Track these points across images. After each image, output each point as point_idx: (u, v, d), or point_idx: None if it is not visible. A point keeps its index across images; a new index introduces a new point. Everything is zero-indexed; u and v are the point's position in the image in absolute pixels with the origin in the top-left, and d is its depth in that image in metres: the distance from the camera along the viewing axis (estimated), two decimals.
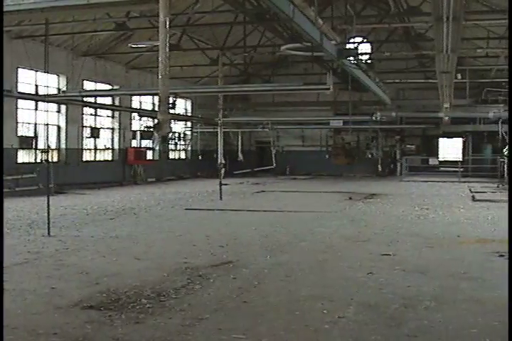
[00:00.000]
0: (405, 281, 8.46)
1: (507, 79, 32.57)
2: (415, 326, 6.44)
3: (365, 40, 33.25)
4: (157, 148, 32.05)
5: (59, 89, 26.02)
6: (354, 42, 27.39)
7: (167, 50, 8.09)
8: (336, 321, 6.59)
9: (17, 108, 24.10)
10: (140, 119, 32.67)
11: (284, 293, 7.87)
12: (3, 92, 10.39)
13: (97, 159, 30.22)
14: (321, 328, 6.37)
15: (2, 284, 5.79)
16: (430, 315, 6.85)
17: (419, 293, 7.83)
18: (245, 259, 10.11)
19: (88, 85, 28.50)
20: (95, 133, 29.44)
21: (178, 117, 34.55)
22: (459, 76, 26.78)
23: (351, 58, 18.73)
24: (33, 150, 25.08)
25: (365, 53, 29.71)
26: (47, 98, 24.38)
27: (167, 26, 8.10)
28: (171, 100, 25.90)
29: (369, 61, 26.54)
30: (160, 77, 8.06)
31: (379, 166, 39.83)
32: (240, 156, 38.09)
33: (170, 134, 35.25)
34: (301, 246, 11.65)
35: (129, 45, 24.32)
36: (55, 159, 26.06)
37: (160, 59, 8.06)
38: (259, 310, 7.04)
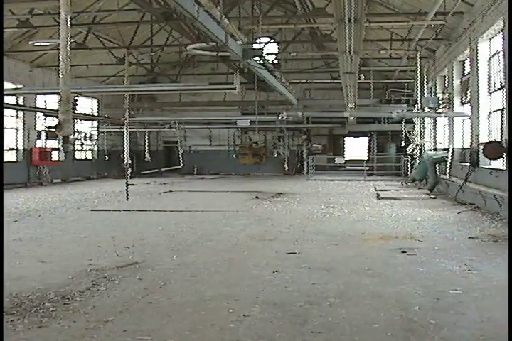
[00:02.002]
0: (310, 279, 8.55)
1: (410, 80, 33.53)
2: (320, 323, 6.51)
3: (271, 41, 33.51)
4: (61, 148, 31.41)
5: None
6: (261, 43, 27.54)
7: (68, 48, 7.91)
8: (242, 320, 6.61)
9: None
10: (45, 119, 31.98)
11: (190, 293, 7.84)
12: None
13: None
14: (226, 327, 6.36)
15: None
16: (334, 311, 6.94)
17: (323, 290, 7.92)
18: (151, 260, 10.03)
19: None
20: None
21: (84, 117, 33.96)
22: (362, 76, 27.25)
23: (257, 58, 18.78)
24: None
25: (272, 53, 29.91)
26: None
27: (68, 24, 7.93)
28: (75, 99, 25.58)
29: (275, 61, 26.69)
30: (61, 75, 7.88)
31: (285, 165, 40.21)
32: (147, 156, 37.80)
33: (75, 134, 34.71)
34: (208, 245, 11.63)
35: (31, 42, 23.74)
36: None
37: (61, 57, 7.87)
38: (164, 311, 6.99)
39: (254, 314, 6.83)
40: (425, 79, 28.70)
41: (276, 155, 42.33)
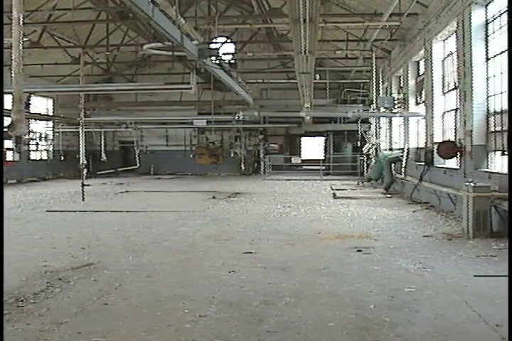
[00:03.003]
0: (266, 278, 8.57)
1: (366, 80, 33.77)
2: (275, 322, 6.54)
3: (228, 41, 33.49)
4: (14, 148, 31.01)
5: None
6: (217, 43, 27.50)
7: (21, 47, 7.82)
8: (198, 320, 6.60)
9: None
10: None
11: (145, 293, 7.80)
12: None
13: None
14: (182, 328, 6.36)
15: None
16: (290, 310, 6.97)
17: (279, 289, 7.94)
18: (107, 261, 9.96)
19: None
20: None
21: (39, 117, 33.54)
22: (318, 76, 27.36)
23: (213, 58, 18.74)
24: None
25: (228, 53, 29.90)
26: None
27: (21, 23, 7.84)
28: (28, 99, 25.20)
29: (232, 61, 26.68)
30: (13, 75, 7.78)
31: (242, 165, 40.23)
32: (103, 156, 37.44)
33: (30, 134, 34.27)
34: (164, 246, 11.58)
35: None
36: None
37: (13, 56, 7.78)
38: (120, 312, 6.95)
39: (210, 314, 6.83)
40: (381, 80, 28.93)
41: (232, 155, 42.31)
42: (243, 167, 40.30)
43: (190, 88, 20.49)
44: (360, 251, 10.71)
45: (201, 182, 32.47)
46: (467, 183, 12.59)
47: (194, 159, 43.86)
